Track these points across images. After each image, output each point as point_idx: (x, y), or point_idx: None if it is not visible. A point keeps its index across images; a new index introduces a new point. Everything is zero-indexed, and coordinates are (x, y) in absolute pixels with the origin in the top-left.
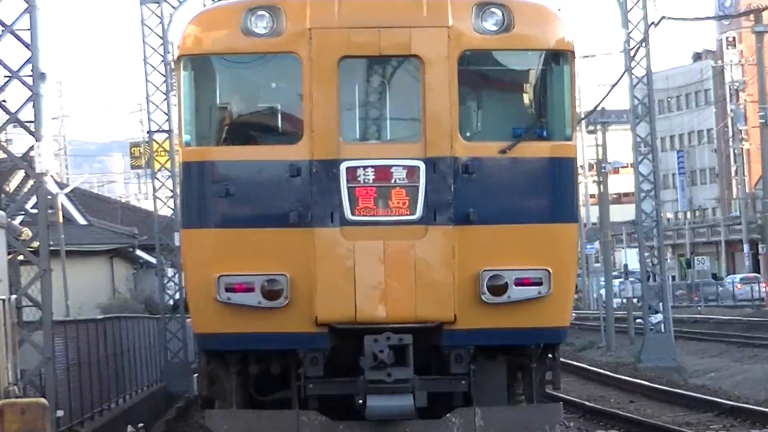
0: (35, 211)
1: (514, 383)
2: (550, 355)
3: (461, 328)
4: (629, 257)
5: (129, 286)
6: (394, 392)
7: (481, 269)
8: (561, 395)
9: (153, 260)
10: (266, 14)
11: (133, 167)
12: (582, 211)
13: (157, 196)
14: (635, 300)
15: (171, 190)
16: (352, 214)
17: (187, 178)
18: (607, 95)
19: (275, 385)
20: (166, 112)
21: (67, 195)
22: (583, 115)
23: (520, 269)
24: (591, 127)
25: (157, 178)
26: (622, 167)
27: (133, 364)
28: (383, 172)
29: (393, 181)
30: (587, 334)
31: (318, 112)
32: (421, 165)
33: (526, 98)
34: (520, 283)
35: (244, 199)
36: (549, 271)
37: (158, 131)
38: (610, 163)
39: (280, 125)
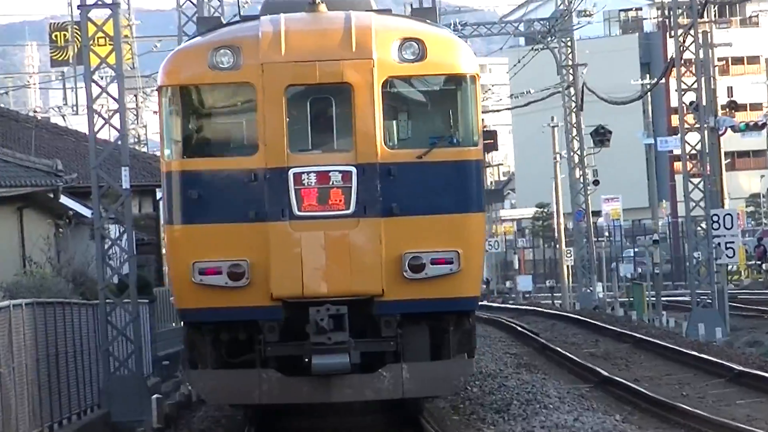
0: None
1: (441, 345)
2: (467, 321)
3: (388, 299)
4: None
5: (49, 253)
6: (333, 352)
7: (404, 252)
8: (719, 419)
9: (88, 212)
10: (228, 52)
11: (54, 63)
12: None
13: (96, 110)
14: None
15: (116, 100)
16: (299, 210)
17: (167, 185)
18: None
19: (243, 349)
20: None
21: None
22: None
23: (434, 251)
24: None
25: (95, 82)
26: None
27: (55, 379)
28: (323, 176)
29: (331, 183)
30: None
31: (270, 129)
32: (353, 170)
33: (440, 113)
34: (435, 262)
35: (212, 200)
36: (459, 252)
37: (96, 5)
38: None
39: (240, 140)
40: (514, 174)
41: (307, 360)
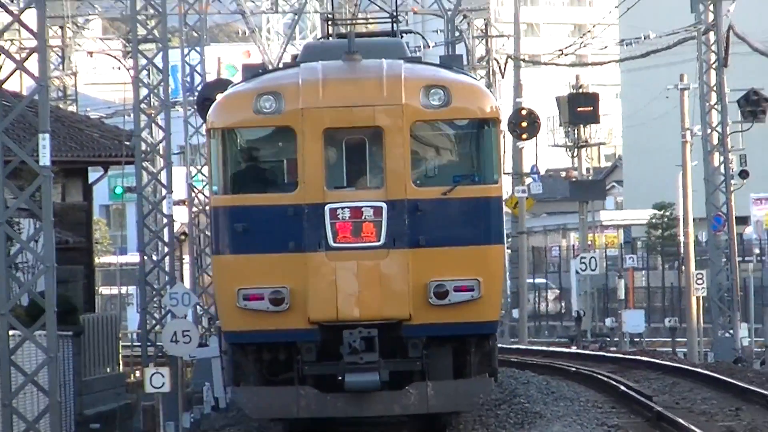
0: None
1: (464, 365)
2: (487, 343)
3: (415, 323)
4: None
5: None
6: (365, 371)
7: (429, 280)
8: None
9: None
10: (271, 97)
11: None
12: None
13: (3, 47)
14: None
15: (33, 34)
16: (334, 242)
17: (215, 218)
18: None
19: (282, 368)
20: None
21: None
22: None
23: (457, 279)
24: None
25: (3, 5)
26: None
27: None
28: (356, 211)
29: (363, 217)
30: None
31: (308, 168)
32: (384, 205)
33: (463, 153)
34: (458, 289)
35: (256, 232)
36: (479, 281)
37: None
38: None
39: (281, 178)
40: (621, 159)
41: (340, 378)
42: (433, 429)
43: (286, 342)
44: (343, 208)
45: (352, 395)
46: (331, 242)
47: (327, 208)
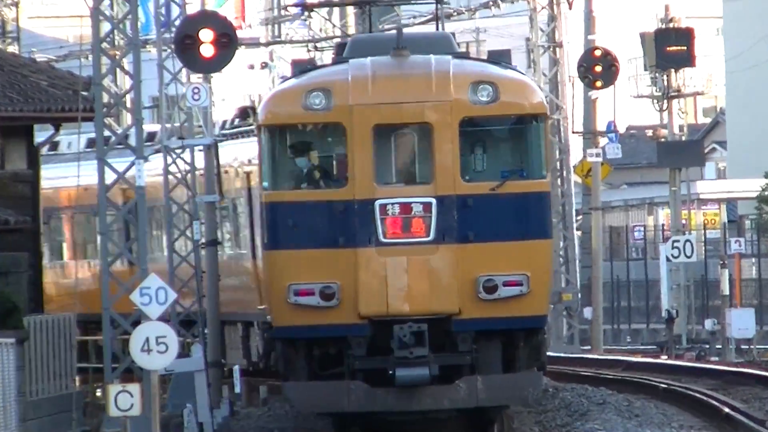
0: None
1: (513, 359)
2: (536, 337)
3: (464, 317)
4: None
5: None
6: (415, 365)
7: (478, 275)
8: None
9: None
10: (320, 94)
11: None
12: None
13: None
14: None
15: None
16: (384, 237)
17: (265, 214)
18: None
19: (332, 362)
20: None
21: None
22: None
23: (506, 274)
24: None
25: None
26: None
27: None
28: (406, 207)
29: (413, 213)
30: None
31: (358, 164)
32: (433, 201)
33: (511, 149)
34: (506, 284)
35: (306, 228)
36: (528, 275)
37: None
38: None
39: (331, 174)
40: (723, 113)
41: (391, 372)
42: (480, 423)
43: (336, 337)
44: (392, 203)
45: (402, 389)
46: (381, 237)
47: (377, 203)
